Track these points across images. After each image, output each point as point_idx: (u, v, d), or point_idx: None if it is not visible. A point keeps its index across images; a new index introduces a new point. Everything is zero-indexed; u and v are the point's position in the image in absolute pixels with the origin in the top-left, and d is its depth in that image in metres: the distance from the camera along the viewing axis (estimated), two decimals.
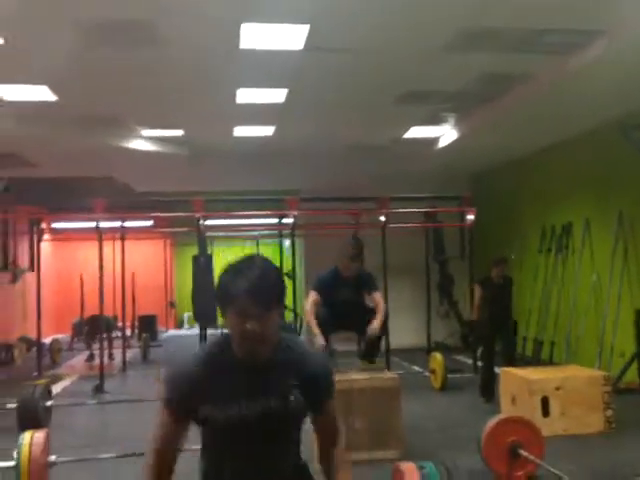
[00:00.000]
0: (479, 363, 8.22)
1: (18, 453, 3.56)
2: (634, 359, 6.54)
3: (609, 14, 4.69)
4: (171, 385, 1.93)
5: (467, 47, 5.31)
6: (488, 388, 6.22)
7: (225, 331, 1.99)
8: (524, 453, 3.82)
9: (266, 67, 5.72)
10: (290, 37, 4.98)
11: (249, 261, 1.90)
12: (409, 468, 2.91)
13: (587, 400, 5.05)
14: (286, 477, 1.93)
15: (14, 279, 10.94)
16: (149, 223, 12.06)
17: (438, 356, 7.16)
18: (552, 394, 5.06)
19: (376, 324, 5.02)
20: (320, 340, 4.86)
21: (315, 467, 2.00)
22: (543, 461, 3.80)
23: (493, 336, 6.44)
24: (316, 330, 4.92)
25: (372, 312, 5.26)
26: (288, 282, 7.69)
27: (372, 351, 5.30)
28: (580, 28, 4.95)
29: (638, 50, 5.02)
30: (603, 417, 5.06)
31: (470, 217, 8.41)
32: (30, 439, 3.63)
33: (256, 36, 4.95)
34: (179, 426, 1.94)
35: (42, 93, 6.21)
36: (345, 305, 5.18)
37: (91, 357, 9.93)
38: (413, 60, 5.63)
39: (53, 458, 3.77)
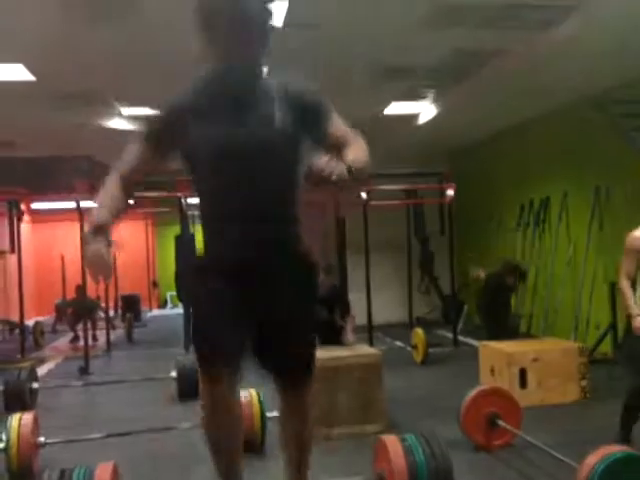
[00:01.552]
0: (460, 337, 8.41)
1: (7, 435, 3.61)
2: (609, 331, 6.72)
3: None
4: (158, 116, 1.93)
5: (442, 23, 5.33)
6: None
7: None
8: (502, 423, 3.95)
9: None
10: None
11: None
12: (391, 440, 3.00)
13: (563, 371, 5.20)
14: (283, 222, 1.92)
15: None
16: (131, 202, 12.02)
17: (420, 331, 7.29)
18: (529, 366, 5.20)
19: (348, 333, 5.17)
20: None
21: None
22: (520, 430, 3.94)
23: (496, 312, 6.57)
24: None
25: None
26: None
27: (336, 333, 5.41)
28: (555, 4, 4.99)
29: (612, 26, 5.10)
30: (579, 387, 5.22)
31: (450, 193, 8.50)
32: (19, 421, 3.67)
33: None
34: (151, 159, 1.94)
35: (18, 72, 6.13)
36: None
37: (75, 339, 9.93)
38: (389, 36, 5.63)
39: (42, 439, 3.82)
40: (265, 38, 1.85)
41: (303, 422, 2.10)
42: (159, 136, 1.88)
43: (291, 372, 2.08)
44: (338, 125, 1.99)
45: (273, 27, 1.91)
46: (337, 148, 1.94)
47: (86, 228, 1.96)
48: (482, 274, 6.89)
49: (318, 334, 2.25)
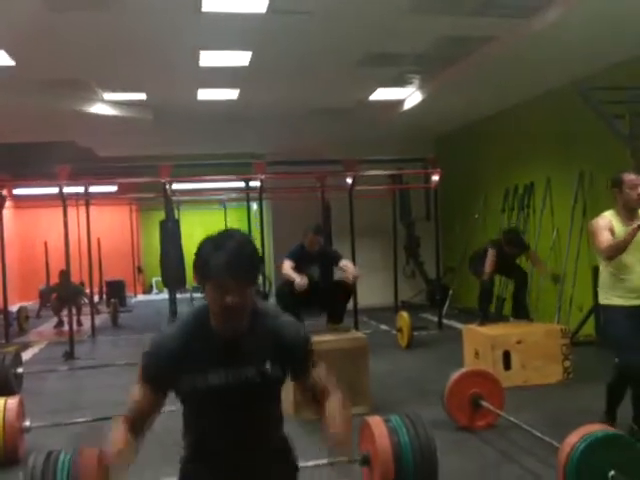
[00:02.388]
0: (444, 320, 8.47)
1: None
2: (591, 313, 6.81)
3: None
4: (150, 359, 1.95)
5: (430, 10, 5.33)
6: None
7: (195, 295, 2.05)
8: (485, 404, 4.00)
9: (229, 30, 5.66)
10: None
11: (227, 235, 1.92)
12: (376, 421, 3.04)
13: (546, 352, 5.27)
14: (269, 445, 2.00)
15: None
16: (114, 189, 11.92)
17: (405, 315, 7.34)
18: (513, 348, 5.26)
19: (350, 269, 5.21)
20: (300, 279, 4.96)
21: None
22: (503, 411, 3.99)
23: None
24: (293, 274, 5.03)
25: (339, 283, 5.42)
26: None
27: (338, 313, 5.42)
28: None
29: (595, 13, 5.12)
30: (561, 368, 5.30)
31: (435, 178, 8.53)
32: (4, 405, 3.67)
33: None
34: (155, 400, 1.97)
35: None
36: (315, 282, 5.31)
37: (60, 324, 9.89)
38: (376, 22, 5.63)
39: (28, 423, 3.82)
40: (254, 285, 1.93)
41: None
42: (155, 377, 1.95)
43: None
44: (320, 373, 2.04)
45: (262, 264, 2.04)
46: (314, 394, 2.04)
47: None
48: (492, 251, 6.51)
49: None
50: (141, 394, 1.97)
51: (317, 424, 2.02)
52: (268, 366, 1.92)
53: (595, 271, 6.82)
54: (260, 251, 2.02)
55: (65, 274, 8.69)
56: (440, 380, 4.24)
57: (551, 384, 5.18)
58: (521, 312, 6.17)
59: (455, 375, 4.13)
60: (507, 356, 5.23)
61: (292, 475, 2.09)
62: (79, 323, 9.80)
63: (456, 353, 5.90)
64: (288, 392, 4.36)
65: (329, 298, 5.37)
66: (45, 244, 11.58)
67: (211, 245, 1.88)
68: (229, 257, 1.82)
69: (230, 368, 1.90)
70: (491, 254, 6.14)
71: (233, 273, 1.82)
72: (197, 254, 1.89)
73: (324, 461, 3.07)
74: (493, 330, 5.55)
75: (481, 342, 5.49)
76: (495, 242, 6.42)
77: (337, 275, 5.75)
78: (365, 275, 8.76)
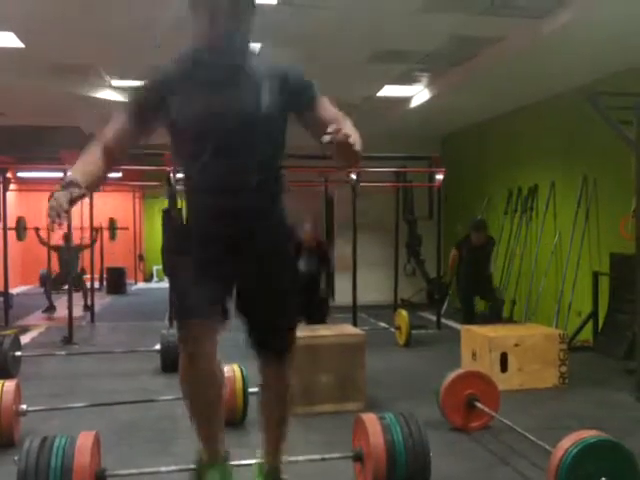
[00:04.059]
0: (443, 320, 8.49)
1: None
2: (590, 318, 6.82)
3: None
4: (144, 85, 1.93)
5: (440, 8, 5.31)
6: None
7: None
8: (480, 405, 4.01)
9: None
10: None
11: None
12: (370, 418, 3.05)
13: (543, 357, 5.28)
14: (265, 193, 1.93)
15: None
16: (118, 175, 11.92)
17: (403, 313, 7.34)
18: (510, 350, 5.27)
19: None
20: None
21: None
22: (498, 413, 4.00)
23: (471, 298, 6.55)
24: None
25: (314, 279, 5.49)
26: None
27: (321, 312, 5.46)
28: None
29: (607, 17, 5.10)
30: (558, 373, 5.30)
31: (439, 177, 8.52)
32: (1, 388, 3.68)
33: None
34: (135, 132, 1.93)
35: (8, 40, 6.05)
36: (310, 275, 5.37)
37: (50, 309, 9.79)
38: (387, 19, 5.62)
39: (24, 407, 3.83)
40: (250, 13, 1.87)
41: (284, 390, 2.14)
42: (144, 105, 1.88)
43: (272, 335, 2.10)
44: (326, 106, 1.98)
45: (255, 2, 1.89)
46: (322, 124, 1.94)
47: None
48: (453, 250, 6.94)
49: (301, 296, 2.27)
50: (123, 120, 1.92)
51: (310, 420, 2.05)
52: (264, 97, 1.85)
53: (595, 277, 6.85)
54: None
55: (67, 237, 8.74)
56: (436, 379, 4.25)
57: (547, 388, 5.19)
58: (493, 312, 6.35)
59: (451, 375, 4.13)
60: (504, 358, 5.24)
61: (288, 243, 2.07)
62: (86, 307, 9.71)
63: (454, 353, 5.91)
64: None
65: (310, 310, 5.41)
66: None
67: None
68: None
69: (226, 96, 1.83)
70: (451, 254, 6.43)
71: None
72: None
73: (316, 456, 3.09)
74: (491, 331, 5.56)
75: (479, 343, 5.49)
76: (458, 242, 6.68)
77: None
78: (365, 272, 8.79)
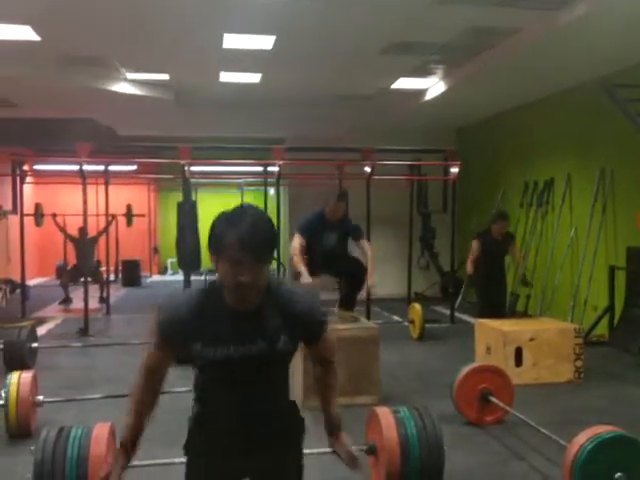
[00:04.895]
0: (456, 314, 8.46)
1: (6, 393, 3.66)
2: (606, 313, 6.76)
3: None
4: (163, 314, 1.96)
5: (455, 0, 5.26)
6: None
7: (210, 278, 2.05)
8: (494, 400, 4.00)
9: (253, 13, 5.63)
10: None
11: (242, 211, 1.90)
12: (384, 412, 3.05)
13: (558, 351, 5.24)
14: (278, 412, 2.02)
15: None
16: (133, 168, 11.98)
17: (417, 306, 7.33)
18: (525, 345, 5.24)
19: (371, 281, 5.10)
20: (306, 278, 4.71)
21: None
22: (512, 408, 3.99)
23: (491, 290, 6.50)
24: (302, 269, 4.78)
25: (356, 262, 5.34)
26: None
27: (351, 299, 5.41)
28: None
29: (624, 8, 5.03)
30: (573, 367, 5.27)
31: (454, 170, 8.47)
32: (18, 379, 3.72)
33: None
34: (167, 357, 2.02)
35: (25, 33, 6.08)
36: (330, 250, 5.17)
37: (66, 301, 9.87)
38: (402, 11, 5.58)
39: (41, 398, 3.87)
40: (269, 263, 1.92)
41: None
42: (169, 341, 1.98)
43: None
44: (327, 345, 2.12)
45: (277, 240, 2.01)
46: (320, 364, 2.14)
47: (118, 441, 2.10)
48: (475, 242, 6.79)
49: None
50: (154, 355, 2.00)
51: (321, 413, 2.07)
52: (280, 341, 1.92)
53: (611, 271, 6.78)
54: (275, 229, 1.98)
55: (83, 230, 8.81)
56: (450, 373, 4.24)
57: (562, 383, 5.16)
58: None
59: (465, 369, 4.12)
60: (519, 353, 5.21)
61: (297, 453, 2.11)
62: (102, 299, 9.77)
63: (467, 347, 5.89)
64: (298, 378, 4.41)
65: (345, 273, 5.25)
66: (63, 220, 11.58)
67: (226, 220, 1.85)
68: (244, 233, 1.79)
69: (241, 343, 1.90)
70: (473, 245, 6.37)
71: (247, 250, 1.79)
72: (212, 228, 1.87)
73: (329, 449, 3.09)
74: (506, 326, 5.53)
75: (493, 337, 5.47)
76: (478, 233, 6.60)
77: (354, 252, 5.51)
78: (380, 265, 8.75)
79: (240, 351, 1.90)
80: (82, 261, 9.46)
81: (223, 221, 1.86)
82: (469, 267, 6.54)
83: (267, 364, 1.94)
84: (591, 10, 5.10)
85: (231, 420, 1.98)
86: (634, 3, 4.93)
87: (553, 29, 5.69)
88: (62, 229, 10.27)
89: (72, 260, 10.38)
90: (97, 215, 10.77)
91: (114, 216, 10.11)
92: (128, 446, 2.07)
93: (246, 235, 1.80)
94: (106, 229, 9.92)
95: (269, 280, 1.94)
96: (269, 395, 2.00)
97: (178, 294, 2.03)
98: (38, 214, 10.83)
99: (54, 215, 10.40)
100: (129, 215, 12.81)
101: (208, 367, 1.95)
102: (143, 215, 14.05)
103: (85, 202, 7.77)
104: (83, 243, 9.45)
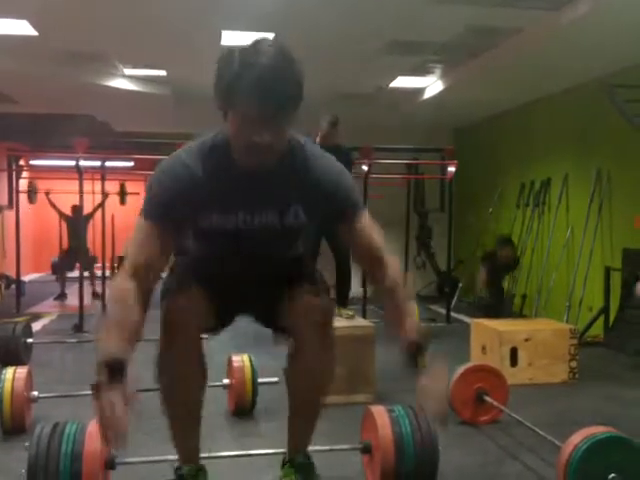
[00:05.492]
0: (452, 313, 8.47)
1: (1, 388, 3.64)
2: (601, 314, 6.77)
3: None
4: (159, 188, 1.60)
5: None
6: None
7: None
8: (489, 399, 4.00)
9: (252, 10, 5.63)
10: None
11: (259, 47, 1.53)
12: (379, 411, 3.05)
13: (554, 351, 5.25)
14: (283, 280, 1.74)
15: None
16: (130, 164, 11.94)
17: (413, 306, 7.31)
18: (521, 345, 5.25)
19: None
20: None
21: None
22: (507, 408, 3.99)
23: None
24: None
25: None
26: None
27: (343, 294, 5.39)
28: None
29: (625, 8, 5.03)
30: (568, 368, 5.28)
31: (451, 169, 8.47)
32: (12, 375, 3.71)
33: None
34: (162, 242, 1.60)
35: (22, 28, 6.06)
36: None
37: (62, 296, 9.81)
38: (401, 9, 5.58)
39: (35, 394, 3.86)
40: (293, 115, 1.55)
41: (380, 261, 1.79)
42: (166, 211, 1.59)
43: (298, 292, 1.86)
44: (371, 233, 1.73)
45: (302, 88, 1.61)
46: (368, 263, 1.76)
47: (97, 361, 1.59)
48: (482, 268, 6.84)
49: None
50: (148, 232, 1.58)
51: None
52: (292, 211, 1.62)
53: (607, 272, 6.80)
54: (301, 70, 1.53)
55: (78, 208, 8.71)
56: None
57: (557, 383, 5.17)
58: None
59: (460, 369, 4.12)
60: (514, 353, 5.22)
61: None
62: (95, 295, 9.72)
63: (463, 347, 5.89)
64: None
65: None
66: (59, 215, 11.54)
67: (238, 61, 1.47)
68: (261, 80, 1.43)
69: (249, 210, 1.61)
70: (482, 272, 6.35)
71: (266, 103, 1.44)
72: (218, 71, 1.50)
73: (324, 447, 3.09)
74: (502, 325, 5.54)
75: (489, 337, 5.47)
76: (486, 256, 6.61)
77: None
78: None
79: (248, 222, 1.61)
80: (75, 241, 9.39)
81: (234, 61, 1.48)
82: (482, 289, 6.49)
83: (276, 236, 1.65)
84: (593, 9, 5.10)
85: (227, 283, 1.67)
86: (631, 4, 4.94)
87: (553, 30, 5.70)
88: (55, 207, 10.18)
89: (65, 244, 10.25)
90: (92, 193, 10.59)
91: (107, 194, 9.98)
92: (116, 366, 1.55)
93: (264, 82, 1.45)
94: (100, 205, 9.62)
95: (291, 138, 1.63)
96: (274, 264, 1.71)
97: (173, 160, 1.62)
98: (32, 191, 10.75)
99: (47, 193, 10.30)
100: (122, 194, 12.68)
101: (209, 239, 1.63)
102: (138, 193, 13.95)
103: (81, 198, 7.75)
104: (77, 222, 9.32)
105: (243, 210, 1.62)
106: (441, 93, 8.39)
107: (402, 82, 8.43)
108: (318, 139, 4.71)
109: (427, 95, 8.76)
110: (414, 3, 5.37)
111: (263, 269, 1.76)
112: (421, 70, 7.84)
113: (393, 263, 1.78)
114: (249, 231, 1.64)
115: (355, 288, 7.94)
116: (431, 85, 8.55)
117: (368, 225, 1.74)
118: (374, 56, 7.10)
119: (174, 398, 1.92)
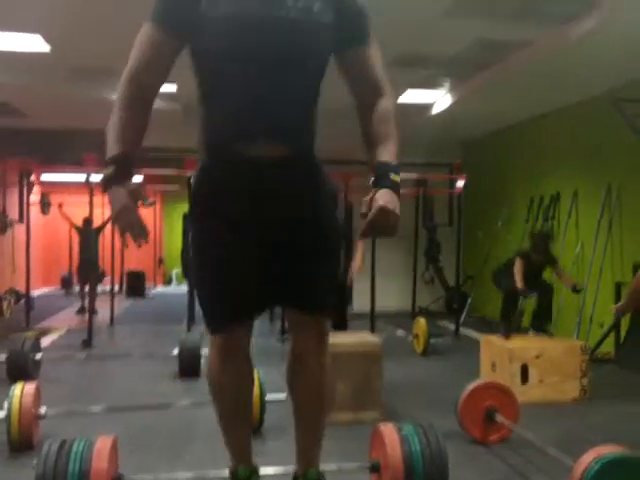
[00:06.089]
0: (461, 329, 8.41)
1: (9, 404, 3.64)
2: (611, 330, 6.71)
3: None
4: None
5: (466, 13, 5.28)
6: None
7: None
8: (499, 418, 3.96)
9: None
10: None
11: None
12: (388, 429, 3.02)
13: (564, 369, 5.20)
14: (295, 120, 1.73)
15: (3, 229, 10.94)
16: (139, 179, 12.01)
17: (422, 321, 7.29)
18: (531, 362, 5.20)
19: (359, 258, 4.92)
20: None
21: None
22: (517, 426, 3.95)
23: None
24: None
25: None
26: None
27: (340, 320, 5.39)
28: None
29: (633, 22, 5.04)
30: (579, 385, 5.23)
31: (460, 184, 8.46)
32: (21, 391, 3.71)
33: None
34: (168, 47, 1.65)
35: (35, 42, 6.12)
36: None
37: (82, 310, 9.88)
38: (411, 22, 5.59)
39: (43, 410, 3.86)
40: None
41: (320, 371, 1.96)
42: (174, 14, 1.61)
43: (309, 299, 1.88)
44: (376, 62, 1.80)
45: None
46: (366, 89, 1.80)
47: (106, 159, 1.71)
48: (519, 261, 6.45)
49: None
50: (151, 36, 1.60)
51: (326, 429, 1.98)
52: (315, 6, 1.63)
53: (617, 288, 6.74)
54: None
55: (88, 221, 8.78)
56: (454, 390, 4.20)
57: (568, 401, 5.11)
58: (541, 325, 6.14)
59: (470, 386, 4.09)
60: (525, 370, 5.17)
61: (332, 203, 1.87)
62: (82, 309, 9.73)
63: (472, 363, 5.85)
64: None
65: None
66: (70, 230, 11.62)
67: None
68: None
69: (275, 5, 1.58)
70: (518, 263, 6.12)
71: None
72: None
73: (333, 466, 3.06)
74: (512, 342, 5.50)
75: (499, 354, 5.43)
76: (522, 252, 6.41)
77: None
78: (383, 279, 8.73)
79: (266, 12, 1.57)
80: (86, 253, 9.45)
81: None
82: (520, 284, 6.15)
83: (301, 36, 1.62)
84: (602, 23, 5.10)
85: (244, 99, 1.64)
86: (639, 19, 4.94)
87: (562, 44, 5.70)
88: (68, 218, 10.33)
89: (75, 261, 10.36)
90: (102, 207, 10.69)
91: None
92: (122, 161, 1.67)
93: None
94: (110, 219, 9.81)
95: None
96: (292, 90, 1.68)
97: None
98: (45, 203, 10.86)
99: (60, 205, 10.44)
100: None
101: (221, 41, 1.59)
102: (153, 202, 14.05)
103: (91, 213, 7.79)
104: (88, 233, 9.40)
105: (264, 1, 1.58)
106: (450, 107, 8.40)
107: (411, 96, 8.44)
108: None
109: (436, 109, 8.77)
110: (423, 16, 5.39)
111: (289, 99, 1.69)
112: (430, 83, 7.84)
113: (389, 97, 1.85)
114: (271, 24, 1.59)
115: (363, 304, 7.94)
116: (440, 98, 8.56)
117: (375, 54, 1.82)
118: (385, 68, 7.12)
119: (225, 397, 2.03)
